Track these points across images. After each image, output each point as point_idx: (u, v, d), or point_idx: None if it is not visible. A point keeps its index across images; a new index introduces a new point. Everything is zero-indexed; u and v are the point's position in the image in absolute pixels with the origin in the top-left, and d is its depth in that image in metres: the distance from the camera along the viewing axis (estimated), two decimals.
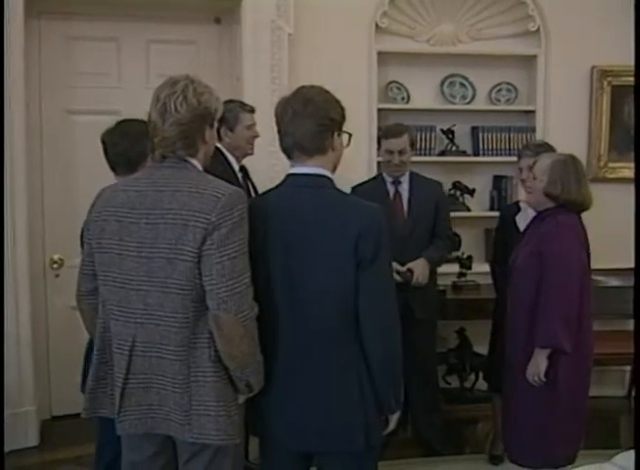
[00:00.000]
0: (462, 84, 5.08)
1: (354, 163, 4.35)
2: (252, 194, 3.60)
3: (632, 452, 2.43)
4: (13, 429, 3.98)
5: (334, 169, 2.33)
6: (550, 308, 3.00)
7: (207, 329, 2.13)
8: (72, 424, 4.26)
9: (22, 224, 4.11)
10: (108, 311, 2.24)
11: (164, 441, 2.29)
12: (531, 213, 3.79)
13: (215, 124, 2.30)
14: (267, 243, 2.22)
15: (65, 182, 4.53)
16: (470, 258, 4.88)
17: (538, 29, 4.96)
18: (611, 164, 5.06)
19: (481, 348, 4.32)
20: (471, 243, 5.01)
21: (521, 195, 4.23)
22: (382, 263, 2.19)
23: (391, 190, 4.05)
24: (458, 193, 5.03)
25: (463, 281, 4.91)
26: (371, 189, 4.04)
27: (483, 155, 5.02)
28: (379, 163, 4.82)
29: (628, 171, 4.91)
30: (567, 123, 4.97)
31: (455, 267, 4.88)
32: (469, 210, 5.03)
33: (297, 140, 2.24)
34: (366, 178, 4.58)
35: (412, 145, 4.01)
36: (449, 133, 4.98)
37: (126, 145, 2.76)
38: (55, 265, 4.50)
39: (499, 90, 5.13)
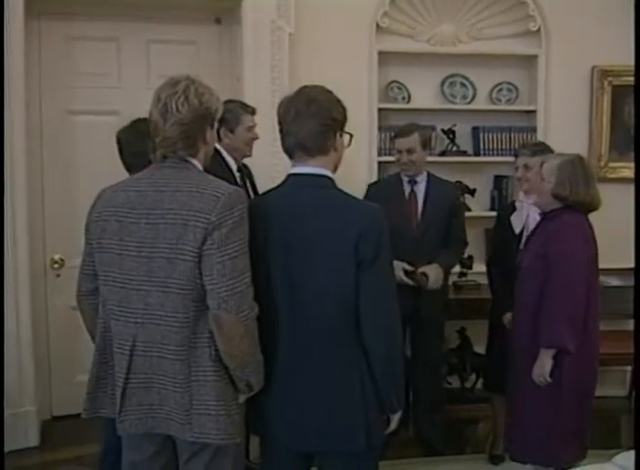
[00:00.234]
0: (463, 84, 5.08)
1: (355, 162, 4.36)
2: (252, 194, 3.59)
3: (632, 452, 2.43)
4: (13, 429, 3.98)
5: (335, 170, 2.33)
6: (555, 309, 3.00)
7: (208, 329, 2.13)
8: (73, 424, 4.26)
9: (23, 224, 4.10)
10: (108, 311, 2.24)
11: (165, 440, 2.29)
12: (526, 213, 3.81)
13: (215, 125, 2.31)
14: (267, 243, 2.22)
15: (65, 182, 4.53)
16: (470, 257, 4.87)
17: (539, 29, 4.96)
18: (611, 164, 5.05)
19: (482, 348, 4.32)
20: (471, 243, 4.97)
21: (519, 195, 4.22)
22: (382, 264, 2.19)
23: (407, 189, 4.05)
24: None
25: (464, 281, 4.92)
26: (387, 187, 4.08)
27: (484, 155, 5.01)
28: (379, 162, 4.83)
29: (629, 171, 4.91)
30: (567, 123, 4.97)
31: (456, 267, 4.87)
32: (469, 209, 5.02)
33: (299, 140, 2.23)
34: (366, 178, 4.60)
35: (424, 145, 4.00)
36: (450, 133, 4.98)
37: (141, 144, 2.75)
38: (55, 265, 4.50)
39: (500, 90, 5.13)
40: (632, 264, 4.07)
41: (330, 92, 2.30)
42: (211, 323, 2.11)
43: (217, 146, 3.37)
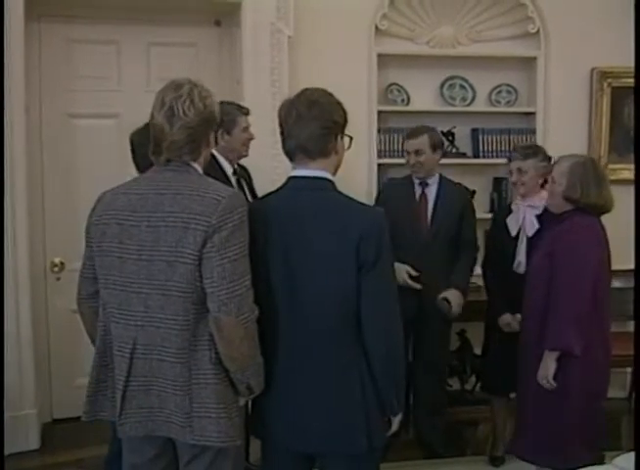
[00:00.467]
0: (462, 86, 5.09)
1: (354, 165, 4.36)
2: (249, 197, 3.59)
3: (633, 454, 2.43)
4: (14, 432, 3.97)
5: (335, 172, 2.33)
6: (560, 309, 2.97)
7: (208, 331, 2.13)
8: (73, 427, 4.24)
9: (23, 227, 4.10)
10: (108, 314, 2.24)
11: (165, 443, 2.30)
12: (523, 215, 3.81)
13: (215, 128, 2.31)
14: (267, 245, 2.22)
15: (65, 185, 4.53)
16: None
17: (538, 31, 4.96)
18: (611, 166, 5.04)
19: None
20: None
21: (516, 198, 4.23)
22: (383, 266, 2.19)
23: (418, 191, 4.06)
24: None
25: None
26: (401, 187, 4.12)
27: (484, 157, 5.02)
28: (379, 165, 4.83)
29: (628, 173, 4.91)
30: (567, 125, 4.98)
31: None
32: None
33: (300, 142, 2.24)
34: (366, 181, 4.61)
35: (434, 147, 4.00)
36: (449, 135, 4.98)
37: None
38: (55, 268, 4.50)
39: (499, 92, 5.13)
40: (632, 266, 4.06)
41: (331, 95, 2.30)
42: (212, 326, 2.11)
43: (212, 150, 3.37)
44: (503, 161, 4.91)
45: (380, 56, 4.81)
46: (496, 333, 3.89)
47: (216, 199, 2.09)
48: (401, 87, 5.00)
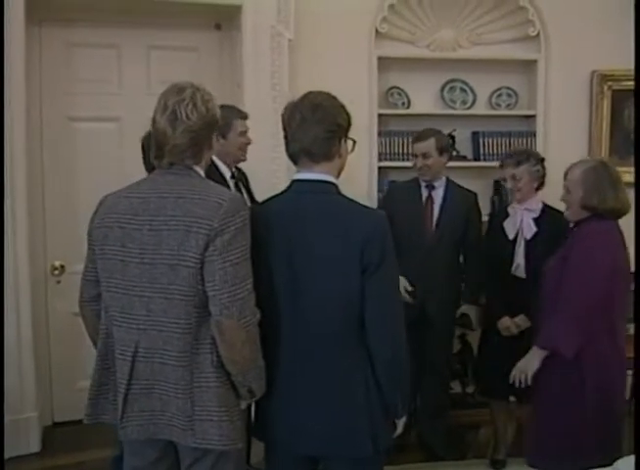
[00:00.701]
0: (462, 89, 5.09)
1: (355, 168, 4.34)
2: (248, 201, 3.57)
3: (633, 457, 2.42)
4: (14, 435, 3.97)
5: (338, 175, 2.34)
6: (560, 310, 2.94)
7: (210, 335, 2.14)
8: (74, 430, 4.25)
9: (23, 231, 4.10)
10: (110, 318, 2.24)
11: (166, 446, 2.30)
12: (520, 219, 3.80)
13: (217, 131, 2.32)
14: (270, 248, 2.22)
15: (65, 189, 4.52)
16: None
17: (538, 34, 4.97)
18: None
19: None
20: None
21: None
22: (387, 268, 2.18)
23: (424, 194, 4.07)
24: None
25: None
26: (407, 189, 4.13)
27: (484, 160, 5.01)
28: (379, 168, 4.83)
29: (629, 176, 4.88)
30: (567, 128, 4.98)
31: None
32: None
33: (304, 146, 2.23)
34: (366, 184, 4.61)
35: (441, 150, 4.01)
36: (450, 138, 4.97)
37: None
38: (56, 272, 4.50)
39: (499, 95, 5.13)
40: (633, 268, 4.05)
41: (335, 98, 2.30)
42: (213, 329, 2.11)
43: None
44: None
45: (380, 59, 4.81)
46: (494, 336, 3.89)
47: (218, 202, 2.09)
48: (402, 90, 5.00)
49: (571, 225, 3.22)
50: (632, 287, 4.19)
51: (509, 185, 3.81)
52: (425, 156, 3.97)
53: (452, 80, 5.08)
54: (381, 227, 2.20)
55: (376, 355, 2.22)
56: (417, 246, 3.89)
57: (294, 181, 2.31)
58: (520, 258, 3.80)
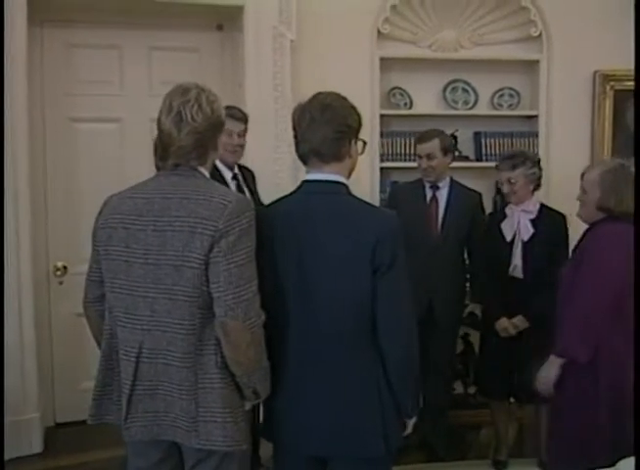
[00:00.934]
0: (464, 90, 5.09)
1: (357, 169, 4.32)
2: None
3: (633, 459, 2.41)
4: (16, 436, 3.98)
5: (349, 176, 2.34)
6: (570, 314, 2.92)
7: (214, 336, 2.13)
8: (76, 431, 4.26)
9: (26, 231, 4.10)
10: (114, 318, 2.24)
11: (170, 447, 2.29)
12: (518, 220, 3.80)
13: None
14: (280, 249, 2.22)
15: (67, 189, 4.53)
16: None
17: (540, 34, 4.96)
18: None
19: None
20: None
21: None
22: (399, 268, 2.18)
23: (429, 194, 4.06)
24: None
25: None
26: (411, 190, 4.12)
27: (486, 160, 5.01)
28: (382, 168, 4.83)
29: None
30: (569, 128, 4.98)
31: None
32: None
33: (313, 146, 2.23)
34: (369, 184, 4.60)
35: (445, 151, 4.00)
36: (452, 139, 4.97)
37: None
38: (58, 272, 4.50)
39: (501, 95, 5.13)
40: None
41: (345, 99, 2.29)
42: (218, 330, 2.11)
43: None
44: None
45: (382, 59, 4.81)
46: (492, 337, 3.88)
47: (223, 203, 2.08)
48: (404, 91, 5.00)
49: (586, 227, 3.19)
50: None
51: (505, 189, 3.81)
52: (429, 157, 3.96)
53: (454, 81, 5.08)
54: (392, 227, 2.20)
55: (387, 355, 2.21)
56: (422, 246, 3.88)
57: (303, 182, 2.31)
58: (517, 259, 3.81)
